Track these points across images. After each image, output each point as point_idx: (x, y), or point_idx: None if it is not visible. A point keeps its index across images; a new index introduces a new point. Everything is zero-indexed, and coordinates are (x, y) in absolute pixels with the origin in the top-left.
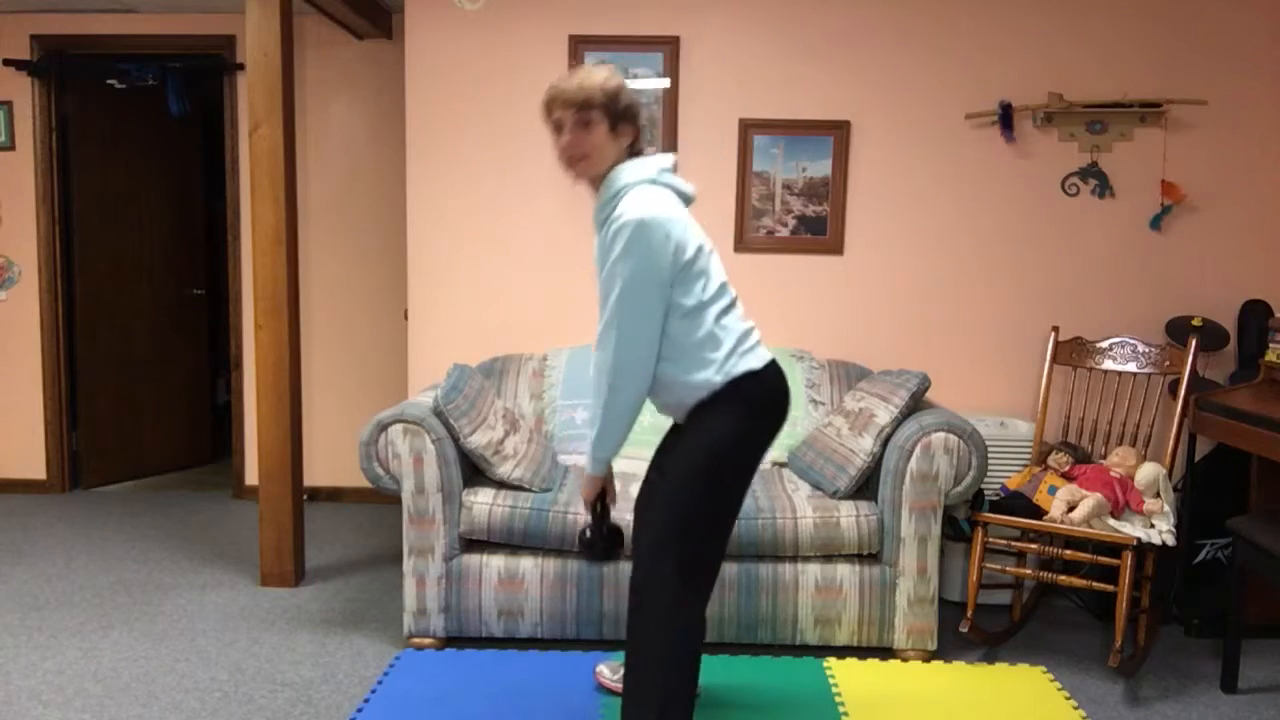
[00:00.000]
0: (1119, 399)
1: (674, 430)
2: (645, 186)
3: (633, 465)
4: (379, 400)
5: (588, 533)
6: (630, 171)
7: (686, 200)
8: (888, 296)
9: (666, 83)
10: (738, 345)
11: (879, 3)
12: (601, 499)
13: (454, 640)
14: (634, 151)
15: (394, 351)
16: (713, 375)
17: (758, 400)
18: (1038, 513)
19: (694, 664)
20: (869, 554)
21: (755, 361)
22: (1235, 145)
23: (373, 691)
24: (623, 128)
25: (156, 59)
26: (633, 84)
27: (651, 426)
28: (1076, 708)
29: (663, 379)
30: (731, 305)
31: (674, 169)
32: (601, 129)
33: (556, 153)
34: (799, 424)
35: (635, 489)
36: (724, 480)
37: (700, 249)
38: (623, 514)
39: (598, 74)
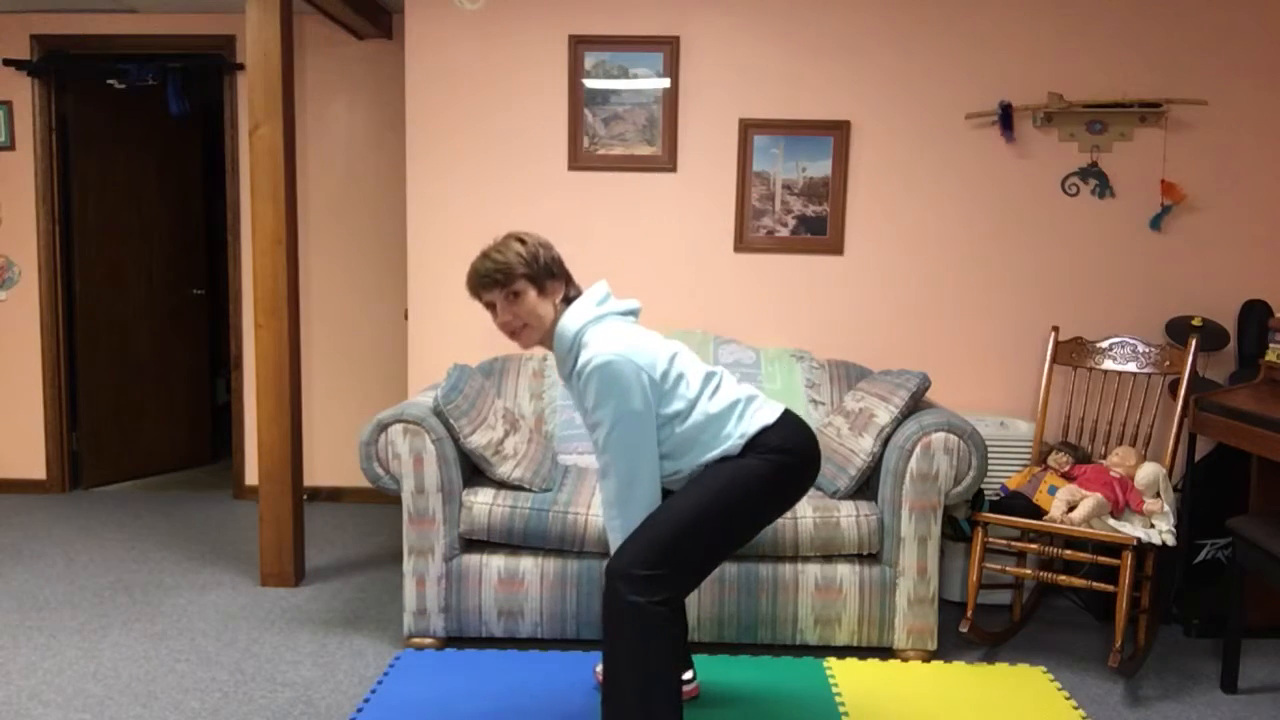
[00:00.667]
0: (1119, 399)
1: None
2: (593, 326)
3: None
4: (379, 400)
5: None
6: (573, 318)
7: (635, 314)
8: (888, 296)
9: (666, 82)
10: (744, 410)
11: (879, 3)
12: None
13: (454, 640)
14: (567, 298)
15: (394, 351)
16: (730, 445)
17: (780, 447)
18: (1038, 513)
19: (675, 655)
20: (869, 554)
21: (767, 416)
22: (1235, 145)
23: (373, 691)
24: (550, 285)
25: (156, 59)
26: (632, 84)
27: None
28: (1076, 708)
29: (684, 470)
30: (720, 384)
31: (605, 297)
32: (531, 295)
33: (498, 328)
34: None
35: None
36: (732, 516)
37: (671, 358)
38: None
39: (510, 246)
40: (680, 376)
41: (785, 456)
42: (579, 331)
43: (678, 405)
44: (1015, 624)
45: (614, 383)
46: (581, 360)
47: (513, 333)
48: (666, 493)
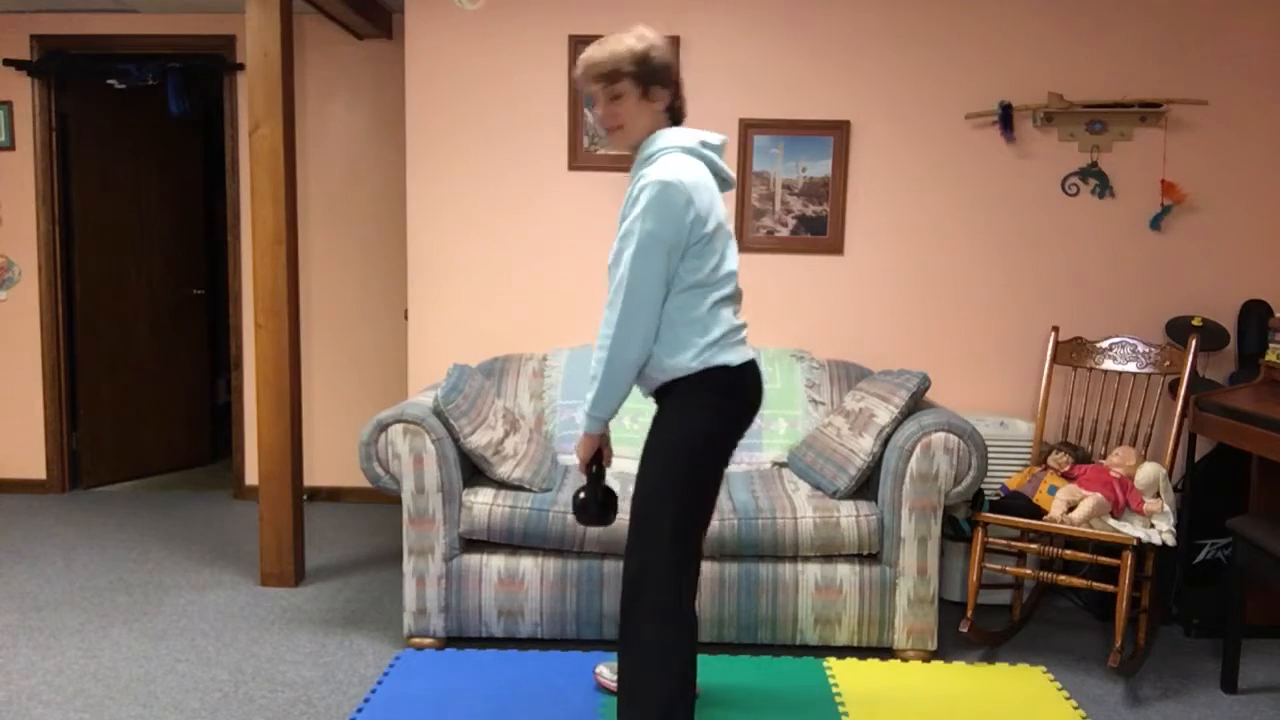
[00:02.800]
0: (1119, 399)
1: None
2: (680, 154)
3: (631, 465)
4: (379, 400)
5: (581, 495)
6: (669, 137)
7: (724, 183)
8: (888, 296)
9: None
10: (723, 338)
11: (879, 3)
12: (597, 460)
13: (454, 640)
14: (674, 110)
15: (394, 351)
16: (689, 361)
17: (725, 393)
18: (1038, 513)
19: (691, 664)
20: (869, 554)
21: (734, 357)
22: (1235, 145)
23: (373, 691)
24: (655, 91)
25: (156, 59)
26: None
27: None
28: (1076, 708)
29: (661, 342)
30: (731, 297)
31: (721, 148)
32: (632, 98)
33: (595, 119)
34: (799, 424)
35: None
36: (699, 473)
37: (720, 227)
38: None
39: (626, 40)
40: (716, 252)
41: (723, 402)
42: (660, 151)
43: (693, 277)
44: (1015, 624)
45: (665, 203)
46: (650, 173)
47: (607, 131)
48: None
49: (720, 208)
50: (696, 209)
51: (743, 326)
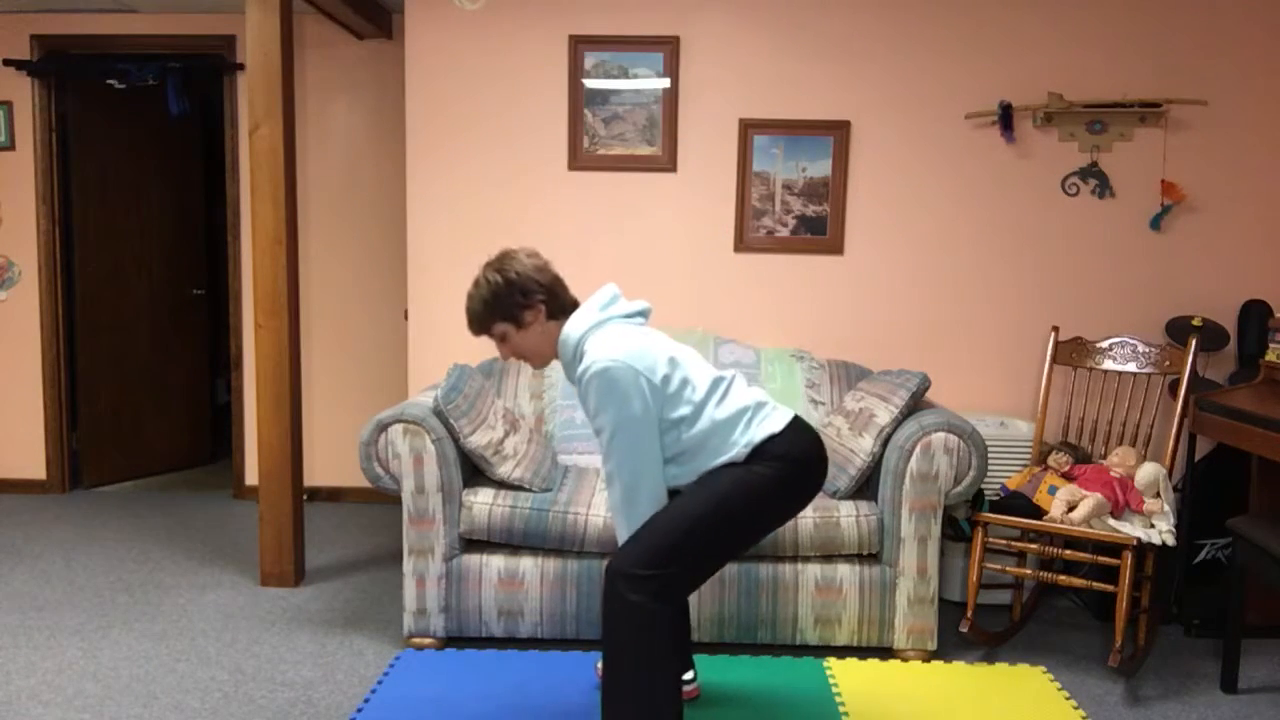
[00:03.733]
0: (1119, 399)
1: None
2: (595, 333)
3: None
4: (379, 400)
5: None
6: (575, 326)
7: (644, 315)
8: (888, 296)
9: (666, 82)
10: (752, 417)
11: (879, 3)
12: None
13: (454, 640)
14: (557, 308)
15: (394, 351)
16: (736, 453)
17: (785, 455)
18: (1038, 513)
19: (674, 653)
20: (869, 554)
21: (774, 425)
22: (1235, 145)
23: (373, 691)
24: (526, 315)
25: (156, 59)
26: (632, 84)
27: None
28: (1076, 708)
29: (692, 474)
30: (728, 389)
31: (615, 299)
32: (511, 333)
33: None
34: None
35: None
36: (736, 522)
37: (673, 362)
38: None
39: (479, 290)
40: (685, 381)
41: (790, 464)
42: (580, 339)
43: (683, 410)
44: (1015, 624)
45: (612, 388)
46: (581, 367)
47: (522, 361)
48: (674, 493)
49: (660, 345)
50: (644, 372)
51: (763, 402)
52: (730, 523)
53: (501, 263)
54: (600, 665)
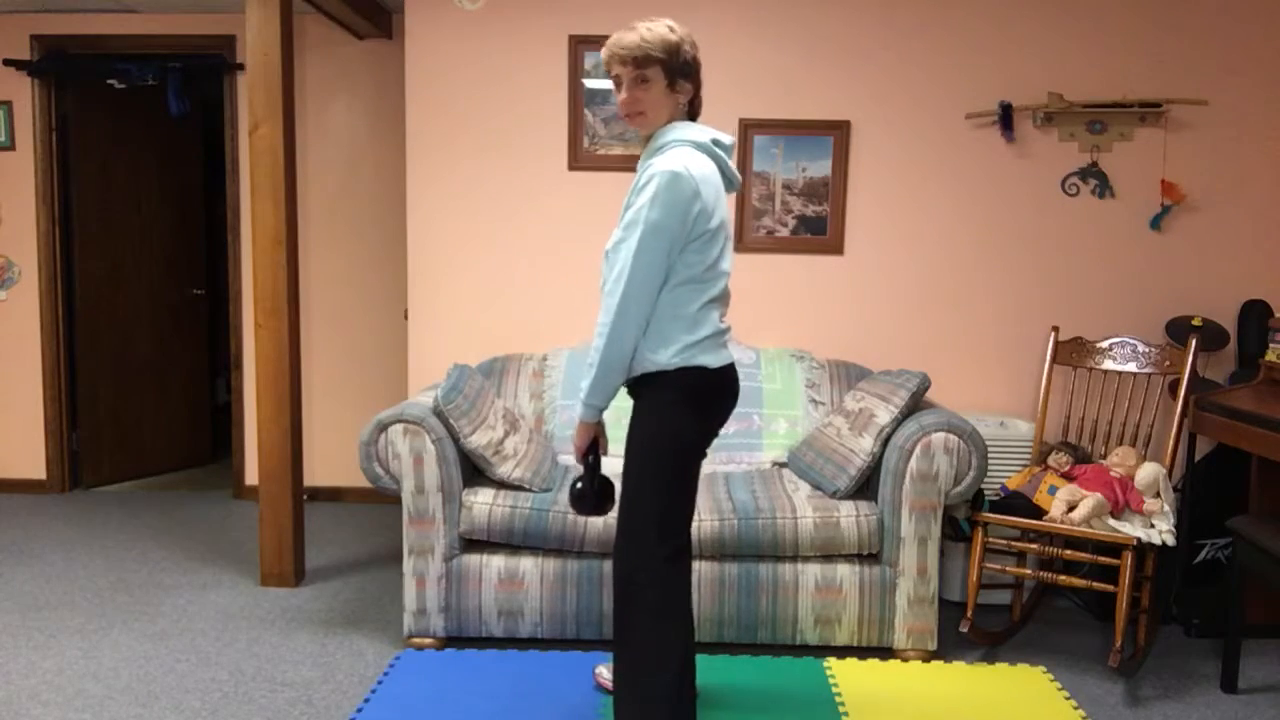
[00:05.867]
0: (1119, 399)
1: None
2: (691, 148)
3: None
4: (379, 400)
5: (579, 484)
6: (684, 130)
7: (730, 184)
8: (888, 296)
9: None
10: (707, 339)
11: (879, 3)
12: (594, 449)
13: (454, 640)
14: (692, 107)
15: (394, 351)
16: (670, 358)
17: (700, 393)
18: (1038, 513)
19: (690, 660)
20: (869, 554)
21: (713, 360)
22: (1235, 145)
23: (373, 691)
24: (680, 84)
25: (156, 59)
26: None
27: None
28: (1076, 708)
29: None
30: (719, 299)
31: (731, 148)
32: (659, 85)
33: (618, 104)
34: (799, 424)
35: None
36: (677, 471)
37: (722, 225)
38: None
39: (658, 28)
40: (713, 249)
41: (695, 401)
42: (672, 143)
43: (688, 271)
44: (1015, 624)
45: (673, 193)
46: (659, 163)
47: (628, 115)
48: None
49: (724, 207)
50: (703, 202)
51: (727, 330)
52: (657, 468)
53: (684, 30)
54: (599, 668)
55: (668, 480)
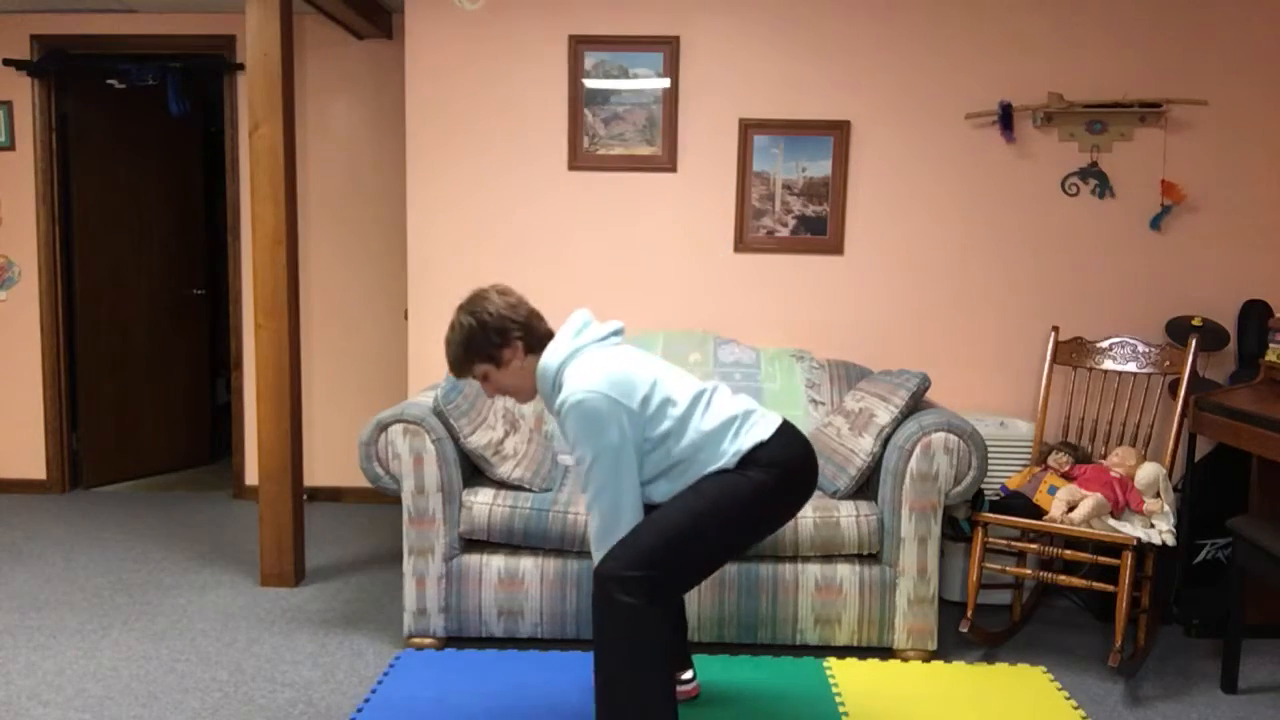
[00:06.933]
0: (1119, 399)
1: None
2: (571, 362)
3: None
4: (379, 400)
5: None
6: (551, 356)
7: (618, 335)
8: (888, 296)
9: (666, 83)
10: (739, 427)
11: (879, 3)
12: None
13: (454, 640)
14: (534, 342)
15: (394, 351)
16: (725, 461)
17: (774, 461)
18: (1038, 513)
19: (666, 654)
20: (869, 554)
21: (762, 433)
22: (1235, 145)
23: (373, 691)
24: (504, 354)
25: (156, 59)
26: (632, 84)
27: None
28: (1076, 708)
29: (684, 487)
30: (711, 400)
31: (584, 326)
32: (493, 371)
33: None
34: (799, 424)
35: None
36: (725, 525)
37: (651, 381)
38: None
39: (454, 331)
40: (666, 399)
41: (780, 471)
42: (558, 369)
43: (666, 425)
44: (1015, 624)
45: (589, 419)
46: (559, 399)
47: (514, 399)
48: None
49: (637, 363)
50: (622, 400)
51: (750, 410)
52: (720, 525)
53: (474, 305)
54: None
55: (703, 528)
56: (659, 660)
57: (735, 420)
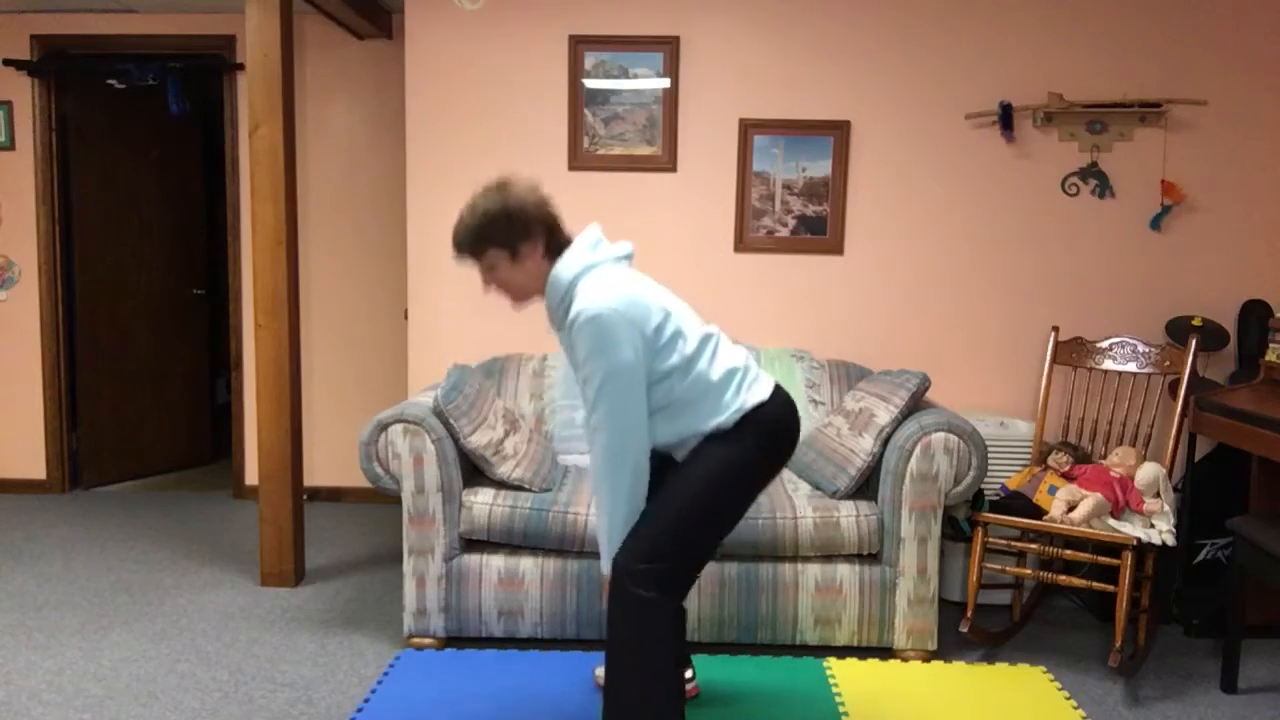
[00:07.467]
0: (1119, 399)
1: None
2: (586, 276)
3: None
4: (379, 400)
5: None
6: (566, 267)
7: (629, 258)
8: (888, 296)
9: (666, 83)
10: (741, 381)
11: (879, 3)
12: None
13: (454, 640)
14: (555, 247)
15: (394, 351)
16: (726, 417)
17: (768, 430)
18: (1038, 513)
19: (677, 650)
20: (869, 554)
21: (762, 392)
22: (1235, 145)
23: (373, 691)
24: (524, 247)
25: (156, 59)
26: (632, 84)
27: None
28: (1076, 708)
29: (678, 433)
30: (717, 347)
31: (598, 242)
32: (504, 264)
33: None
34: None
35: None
36: (727, 503)
37: (666, 314)
38: None
39: (477, 209)
40: (678, 332)
41: (771, 437)
42: (572, 281)
43: (674, 360)
44: (1015, 624)
45: (604, 335)
46: (573, 312)
47: (510, 300)
48: (663, 459)
49: (653, 292)
50: (638, 321)
51: (750, 364)
52: (723, 501)
53: (502, 189)
54: (599, 669)
55: (705, 510)
56: (670, 655)
57: (737, 373)
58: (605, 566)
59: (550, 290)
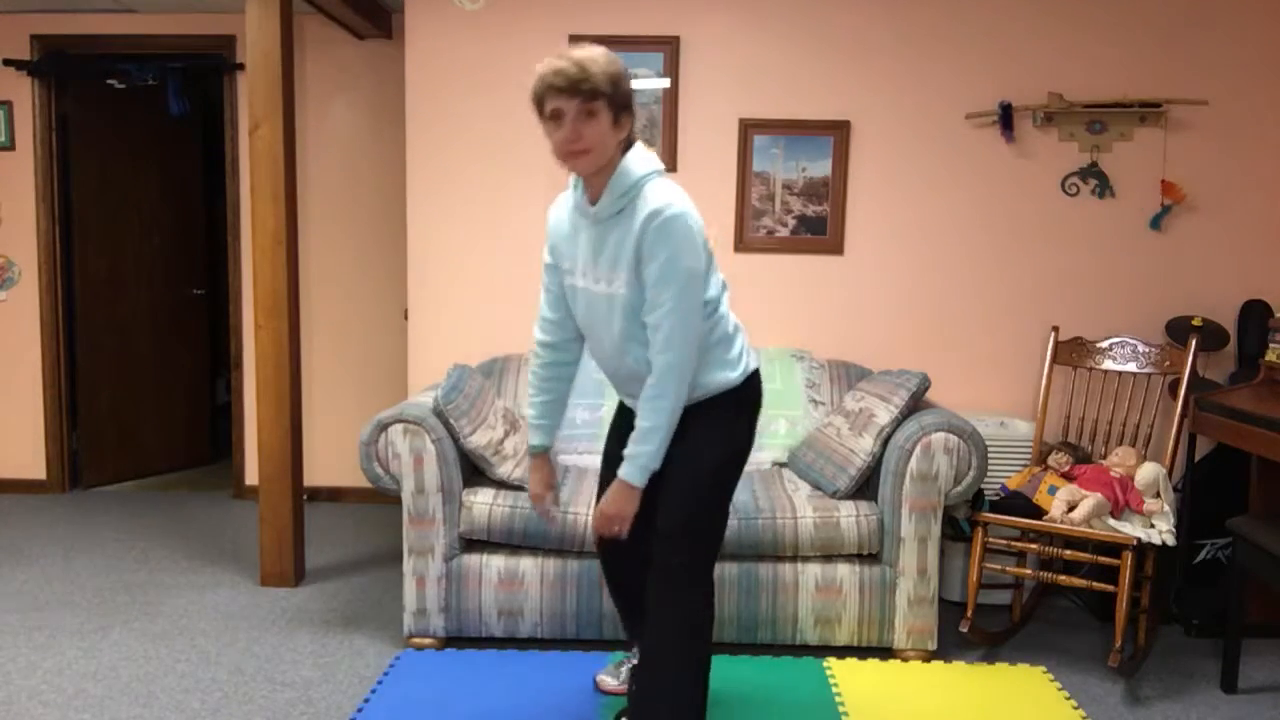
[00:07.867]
0: (1119, 399)
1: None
2: (657, 178)
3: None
4: (379, 400)
5: None
6: (640, 163)
7: None
8: (888, 296)
9: (667, 82)
10: (744, 343)
11: (879, 3)
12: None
13: (454, 640)
14: (629, 141)
15: (394, 351)
16: (733, 375)
17: (755, 402)
18: (1038, 513)
19: (710, 638)
20: (869, 554)
21: (755, 359)
22: (1235, 145)
23: (373, 691)
24: (624, 118)
25: (156, 59)
26: (633, 84)
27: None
28: (1076, 708)
29: (696, 382)
30: (726, 301)
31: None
32: (605, 120)
33: (552, 145)
34: (799, 424)
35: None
36: (733, 481)
37: (706, 243)
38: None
39: (597, 57)
40: (712, 266)
41: (756, 412)
42: (642, 178)
43: (713, 291)
44: (1015, 624)
45: (690, 236)
46: (651, 207)
47: (570, 154)
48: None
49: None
50: (703, 231)
51: (738, 323)
52: (731, 486)
53: (617, 59)
54: (600, 675)
55: (720, 491)
56: (704, 646)
57: (740, 331)
58: (635, 478)
59: (616, 179)
